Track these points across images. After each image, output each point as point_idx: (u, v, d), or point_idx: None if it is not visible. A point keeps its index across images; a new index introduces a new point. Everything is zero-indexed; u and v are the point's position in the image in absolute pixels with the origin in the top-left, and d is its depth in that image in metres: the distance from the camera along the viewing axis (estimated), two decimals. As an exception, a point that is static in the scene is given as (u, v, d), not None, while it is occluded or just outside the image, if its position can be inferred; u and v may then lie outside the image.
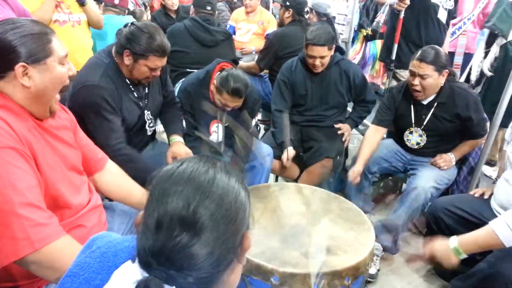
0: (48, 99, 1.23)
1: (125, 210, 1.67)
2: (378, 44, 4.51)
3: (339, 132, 2.73)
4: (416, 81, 2.23)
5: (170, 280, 0.64)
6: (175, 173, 0.70)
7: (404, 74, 3.07)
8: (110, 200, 2.04)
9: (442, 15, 2.98)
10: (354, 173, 2.36)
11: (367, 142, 2.50)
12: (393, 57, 2.98)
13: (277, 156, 2.58)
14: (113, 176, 1.60)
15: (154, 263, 0.65)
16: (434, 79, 2.21)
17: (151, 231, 0.66)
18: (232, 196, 0.70)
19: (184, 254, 0.64)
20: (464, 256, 1.60)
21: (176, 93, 2.53)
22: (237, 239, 0.71)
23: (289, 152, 2.52)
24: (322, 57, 2.53)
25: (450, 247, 1.61)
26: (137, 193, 1.58)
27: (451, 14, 3.05)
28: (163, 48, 1.85)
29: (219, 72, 2.35)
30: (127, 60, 1.85)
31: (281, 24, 3.51)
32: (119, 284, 0.67)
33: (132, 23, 1.89)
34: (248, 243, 0.74)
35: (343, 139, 2.72)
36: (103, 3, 3.27)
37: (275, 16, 5.73)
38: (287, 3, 3.32)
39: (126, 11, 3.42)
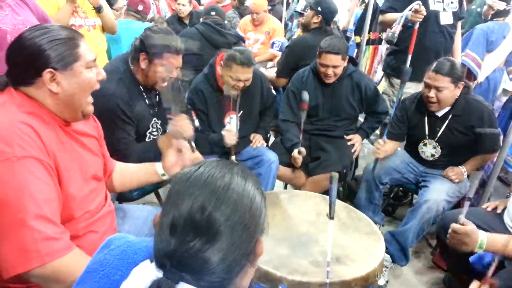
0: (79, 104, 1.22)
1: (135, 215, 1.68)
2: (370, 49, 4.53)
3: (349, 143, 2.71)
4: (432, 93, 2.21)
5: (182, 281, 0.65)
6: (192, 177, 0.71)
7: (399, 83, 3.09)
8: (120, 202, 2.06)
9: (447, 19, 2.95)
10: (381, 149, 2.39)
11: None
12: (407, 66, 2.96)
13: (284, 163, 2.58)
14: (122, 172, 1.62)
15: (168, 264, 0.65)
16: (450, 91, 2.19)
17: (166, 233, 0.66)
18: (247, 201, 0.70)
19: (197, 258, 0.65)
20: (481, 251, 1.57)
21: (186, 98, 2.56)
22: (251, 245, 0.71)
23: (300, 150, 2.51)
24: (335, 67, 2.51)
25: (478, 238, 1.56)
26: (147, 168, 1.64)
27: (457, 15, 3.03)
28: (177, 44, 1.90)
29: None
30: (143, 64, 1.89)
31: (305, 27, 3.35)
32: (137, 281, 0.68)
33: (146, 29, 1.94)
34: (261, 249, 0.74)
35: (353, 150, 2.70)
36: (126, 7, 3.33)
37: (287, 25, 5.74)
38: (319, 9, 3.16)
39: (147, 17, 3.48)
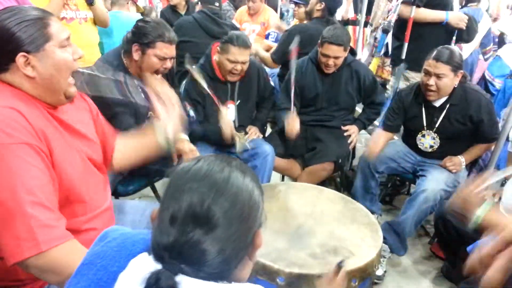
0: (59, 87, 1.17)
1: (132, 210, 1.66)
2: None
3: (346, 134, 2.70)
4: (432, 81, 2.18)
5: (181, 273, 0.65)
6: (191, 170, 0.72)
7: (415, 76, 3.06)
8: (116, 197, 2.05)
9: (456, 6, 2.96)
10: (373, 148, 2.38)
11: (374, 142, 2.47)
12: (403, 56, 2.94)
13: (280, 154, 2.57)
14: (122, 148, 1.54)
15: (167, 256, 0.66)
16: (450, 79, 2.18)
17: (165, 225, 0.67)
18: (246, 194, 0.71)
19: (196, 250, 0.65)
20: (476, 226, 1.45)
21: (182, 89, 2.53)
22: (249, 237, 0.72)
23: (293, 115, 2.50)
24: (336, 58, 2.49)
25: (475, 214, 1.44)
26: (146, 141, 1.51)
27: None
28: (170, 34, 1.88)
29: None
30: (136, 55, 1.87)
31: (308, 14, 3.25)
32: (135, 273, 0.68)
33: (138, 20, 1.92)
34: (260, 242, 0.75)
35: (349, 141, 2.69)
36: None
37: (283, 15, 5.69)
38: None
39: (130, 2, 3.41)
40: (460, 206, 1.48)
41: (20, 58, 1.08)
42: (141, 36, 1.84)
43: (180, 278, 0.65)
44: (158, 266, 0.66)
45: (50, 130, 1.14)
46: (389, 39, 4.28)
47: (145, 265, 0.68)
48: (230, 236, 0.67)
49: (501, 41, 4.16)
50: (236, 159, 0.77)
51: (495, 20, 4.79)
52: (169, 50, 1.90)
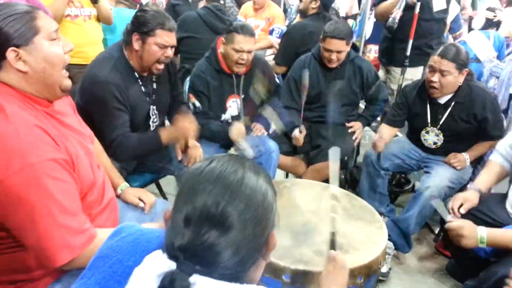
0: (53, 80, 1.18)
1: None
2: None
3: (350, 130, 2.70)
4: (435, 77, 2.17)
5: (195, 273, 0.65)
6: (204, 171, 0.71)
7: (397, 70, 3.11)
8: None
9: (440, 5, 2.92)
10: (380, 140, 2.37)
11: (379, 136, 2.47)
12: (408, 53, 2.93)
13: (284, 152, 2.57)
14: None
15: (181, 257, 0.66)
16: (454, 77, 2.16)
17: (180, 226, 0.67)
18: (260, 196, 0.71)
19: (210, 251, 0.66)
20: (483, 246, 1.66)
21: (186, 88, 2.53)
22: (263, 239, 0.72)
23: (301, 129, 2.51)
24: (339, 52, 2.48)
25: (477, 233, 1.66)
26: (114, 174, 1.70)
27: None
28: (169, 22, 1.87)
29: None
30: (137, 45, 1.85)
31: (304, 12, 3.27)
32: (150, 269, 0.68)
33: (137, 10, 1.93)
34: (274, 243, 0.75)
35: (354, 138, 2.68)
36: None
37: (286, 11, 5.68)
38: None
39: (138, 5, 3.43)
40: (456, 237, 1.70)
41: (10, 53, 1.09)
42: (140, 25, 1.83)
43: (195, 278, 0.65)
44: (172, 265, 0.66)
45: (62, 136, 1.18)
46: (368, 26, 4.30)
47: (159, 262, 0.68)
48: (245, 238, 0.67)
49: (469, 28, 4.34)
50: (249, 159, 0.77)
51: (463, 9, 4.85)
52: (170, 38, 1.88)
